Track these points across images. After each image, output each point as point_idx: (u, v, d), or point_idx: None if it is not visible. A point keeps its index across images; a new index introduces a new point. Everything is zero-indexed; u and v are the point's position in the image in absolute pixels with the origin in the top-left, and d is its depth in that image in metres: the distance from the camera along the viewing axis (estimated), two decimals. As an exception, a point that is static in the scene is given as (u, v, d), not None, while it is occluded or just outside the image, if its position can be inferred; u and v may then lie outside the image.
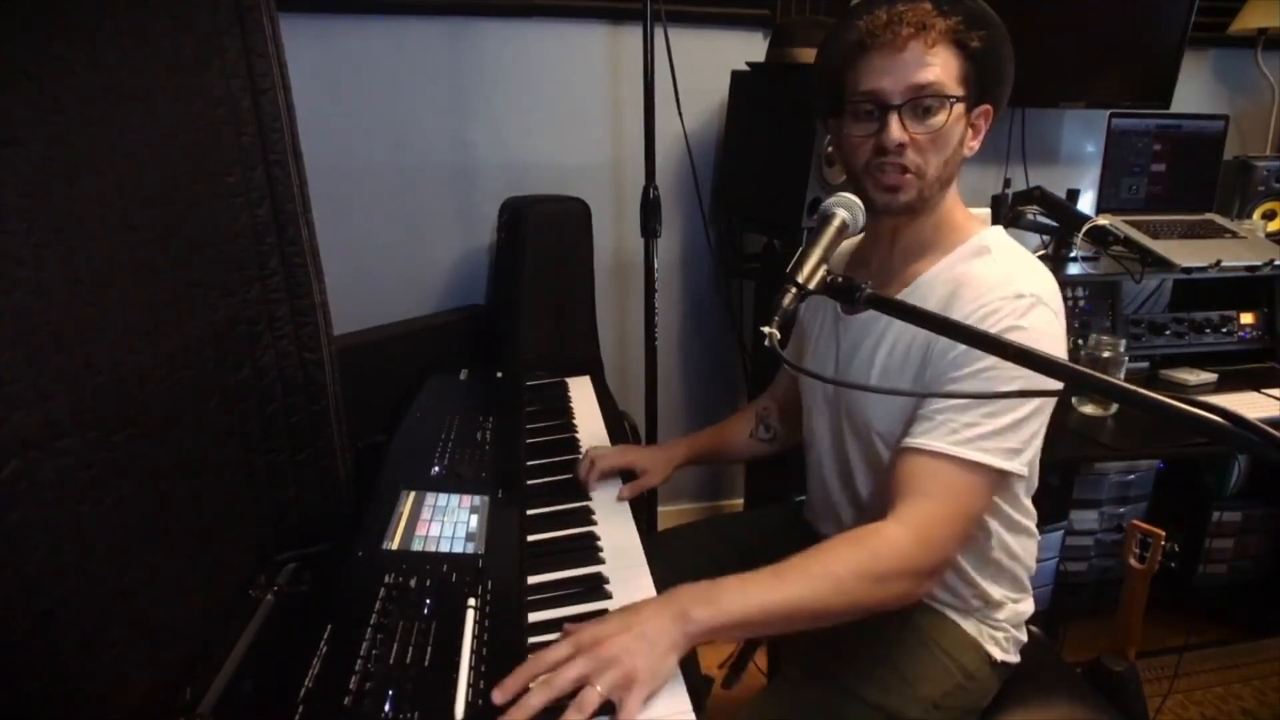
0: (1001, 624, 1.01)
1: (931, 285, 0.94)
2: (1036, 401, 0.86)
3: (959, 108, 0.89)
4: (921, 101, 0.88)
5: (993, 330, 0.81)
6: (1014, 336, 0.76)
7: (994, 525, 0.97)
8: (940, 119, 0.88)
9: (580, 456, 1.24)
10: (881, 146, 0.89)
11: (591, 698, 0.69)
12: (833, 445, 1.08)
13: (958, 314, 0.86)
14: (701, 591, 0.78)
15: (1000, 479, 0.88)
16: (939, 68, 0.87)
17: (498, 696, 0.70)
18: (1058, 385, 0.71)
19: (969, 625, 1.00)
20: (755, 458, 1.34)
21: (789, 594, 0.79)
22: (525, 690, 0.70)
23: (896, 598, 0.85)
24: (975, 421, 0.85)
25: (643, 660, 0.71)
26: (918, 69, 0.87)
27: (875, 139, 0.90)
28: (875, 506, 1.04)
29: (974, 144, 0.94)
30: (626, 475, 1.21)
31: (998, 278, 0.88)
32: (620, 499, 1.15)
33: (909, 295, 0.94)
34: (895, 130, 0.88)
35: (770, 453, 1.32)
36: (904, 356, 0.94)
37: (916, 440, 0.87)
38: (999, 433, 0.85)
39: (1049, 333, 0.86)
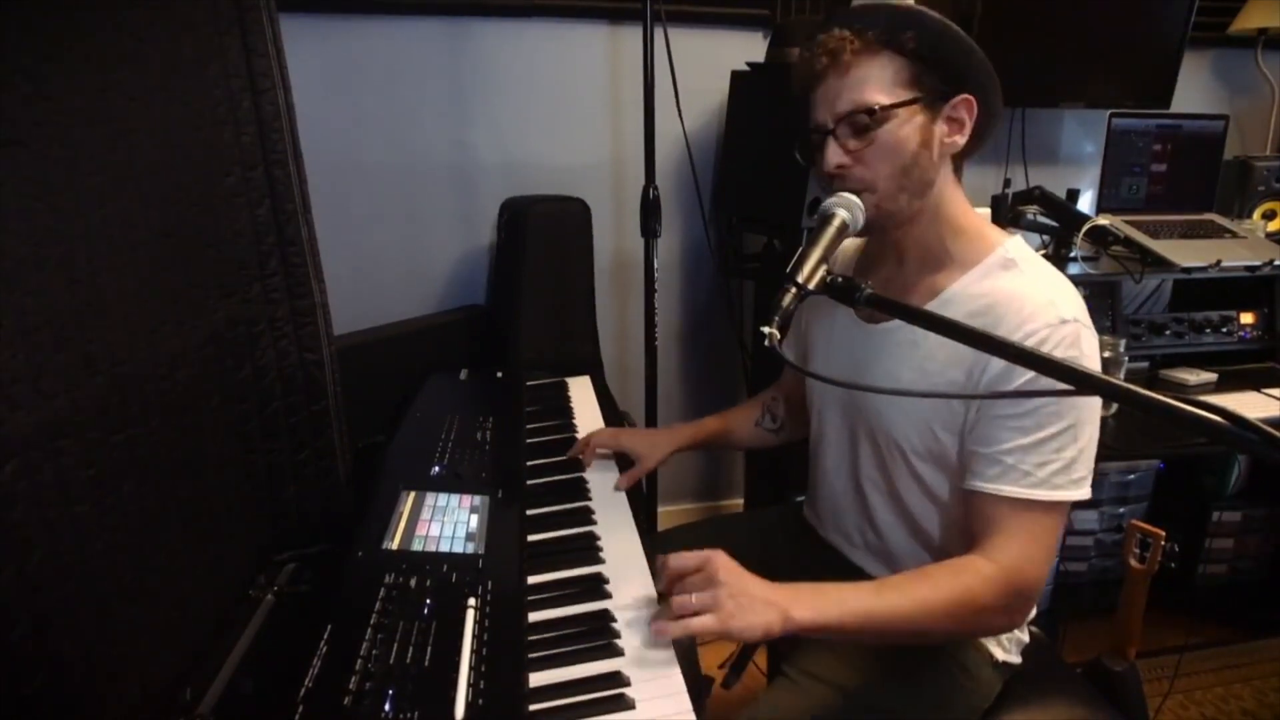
0: (1004, 624, 1.01)
1: (959, 301, 0.92)
2: (1090, 428, 0.87)
3: (902, 112, 0.88)
4: (854, 121, 0.88)
5: None
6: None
7: None
8: (876, 131, 0.88)
9: (581, 456, 1.25)
10: (827, 171, 0.91)
11: (687, 600, 0.81)
12: (845, 453, 1.07)
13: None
14: (806, 593, 0.83)
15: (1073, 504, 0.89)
16: (868, 84, 0.88)
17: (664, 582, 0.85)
18: (1064, 390, 0.71)
19: (971, 625, 1.00)
20: (760, 446, 1.34)
21: (885, 609, 0.83)
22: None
23: (992, 629, 0.93)
24: (1046, 460, 0.85)
25: (738, 613, 0.80)
26: (840, 93, 0.89)
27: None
28: (882, 517, 1.04)
29: (957, 138, 0.92)
30: (627, 463, 1.23)
31: (1037, 299, 0.87)
32: (617, 488, 1.17)
33: (936, 309, 0.91)
34: (830, 154, 0.90)
35: (775, 443, 1.32)
36: (939, 372, 0.92)
37: (992, 486, 0.87)
38: (1069, 466, 0.85)
39: (1096, 355, 0.88)
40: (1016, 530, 0.86)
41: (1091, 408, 0.87)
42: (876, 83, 0.88)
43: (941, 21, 0.88)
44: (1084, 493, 0.87)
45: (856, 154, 0.89)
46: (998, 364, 0.87)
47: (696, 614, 0.80)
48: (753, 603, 0.81)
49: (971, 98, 0.91)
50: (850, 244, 1.10)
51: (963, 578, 0.85)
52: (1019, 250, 0.93)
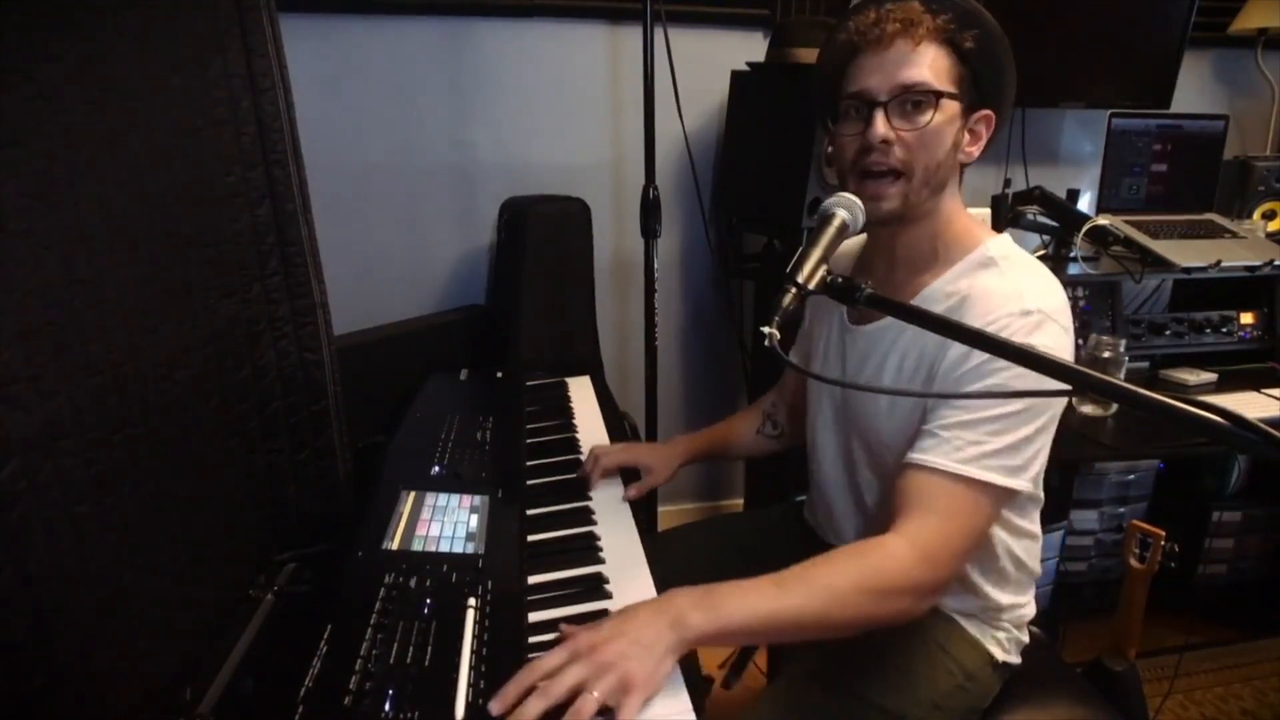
0: (1004, 625, 1.01)
1: (935, 298, 0.92)
2: (1041, 420, 0.86)
3: (950, 106, 0.88)
4: (909, 97, 0.87)
5: None
6: None
7: (1002, 535, 0.97)
8: (928, 116, 0.87)
9: (581, 456, 1.24)
10: (867, 144, 0.88)
11: (589, 705, 0.68)
12: (840, 457, 1.07)
13: None
14: (699, 597, 0.77)
15: (1006, 495, 0.87)
16: (927, 65, 0.87)
17: (496, 706, 0.69)
18: (1058, 390, 0.70)
19: (971, 626, 1.00)
20: (761, 454, 1.34)
21: (789, 604, 0.78)
22: (523, 697, 0.69)
23: (898, 614, 0.84)
24: (980, 440, 0.84)
25: (638, 665, 0.71)
26: (904, 66, 0.87)
27: (862, 137, 0.89)
28: (880, 517, 1.03)
29: (973, 150, 0.93)
30: (630, 474, 1.21)
31: (1005, 292, 0.87)
32: (626, 499, 1.15)
33: None
34: (880, 125, 0.87)
35: (776, 450, 1.32)
36: (913, 371, 0.93)
37: (921, 457, 0.86)
38: (1002, 451, 0.84)
39: (1056, 350, 0.84)
40: (935, 506, 0.84)
41: (1050, 400, 0.86)
42: (936, 69, 0.87)
43: (1000, 31, 0.89)
44: (1018, 483, 0.85)
45: (900, 135, 0.88)
46: (955, 350, 0.86)
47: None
48: (638, 641, 0.71)
49: (993, 114, 0.93)
50: (845, 249, 1.10)
51: (871, 558, 0.82)
52: (1000, 248, 0.93)
